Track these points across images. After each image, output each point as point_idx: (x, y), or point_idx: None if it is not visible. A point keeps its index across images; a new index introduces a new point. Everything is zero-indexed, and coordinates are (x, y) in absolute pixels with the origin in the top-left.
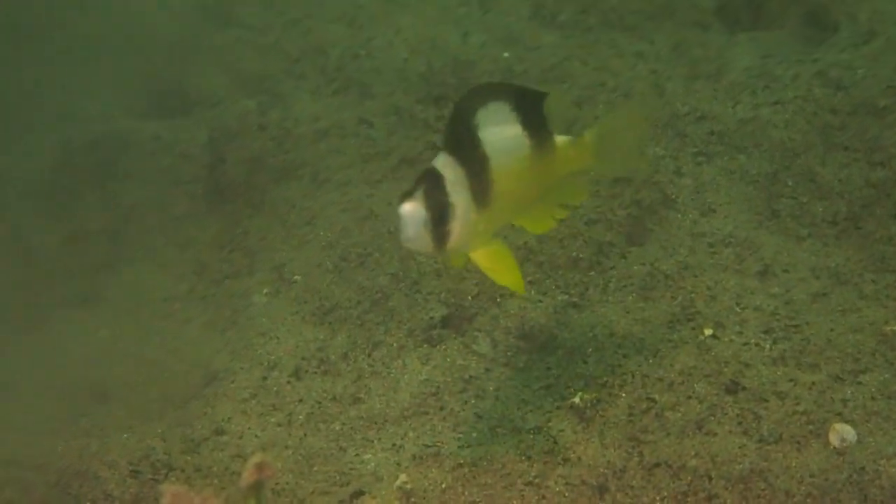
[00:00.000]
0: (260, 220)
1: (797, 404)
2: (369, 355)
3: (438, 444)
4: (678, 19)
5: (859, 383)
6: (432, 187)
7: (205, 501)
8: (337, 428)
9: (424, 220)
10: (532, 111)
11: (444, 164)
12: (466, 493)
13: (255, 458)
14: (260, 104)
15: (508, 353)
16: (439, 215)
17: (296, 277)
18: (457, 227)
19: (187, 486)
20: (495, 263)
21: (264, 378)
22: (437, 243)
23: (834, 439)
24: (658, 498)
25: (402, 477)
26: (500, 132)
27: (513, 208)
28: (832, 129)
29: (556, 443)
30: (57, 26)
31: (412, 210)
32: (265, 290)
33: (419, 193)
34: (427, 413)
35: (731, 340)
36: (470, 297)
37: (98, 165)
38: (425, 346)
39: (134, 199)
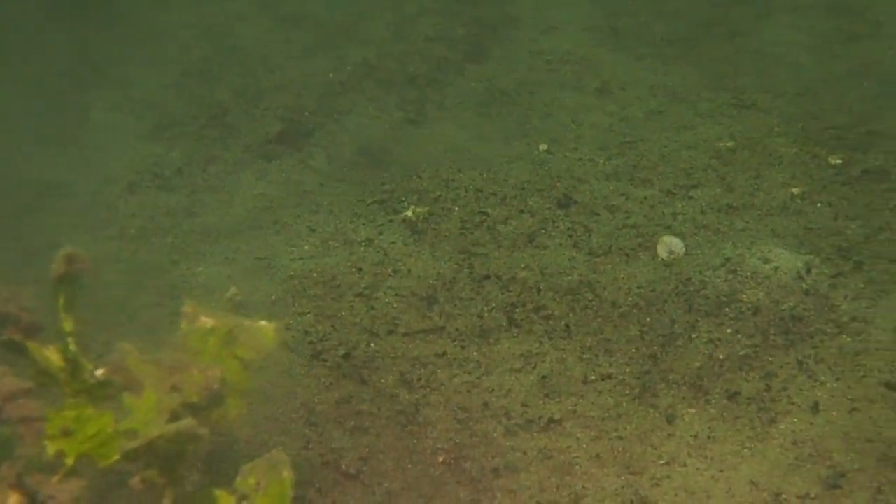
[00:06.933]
0: (102, 35)
1: (627, 218)
2: (204, 170)
3: (270, 256)
4: None
5: (690, 197)
6: None
7: (12, 294)
8: (170, 241)
9: None
10: None
11: None
12: (296, 304)
13: (65, 250)
14: None
15: (344, 169)
16: None
17: (135, 93)
18: None
19: None
20: None
21: (98, 192)
22: None
23: (662, 251)
24: (487, 309)
25: (233, 289)
26: None
27: None
28: None
29: (386, 255)
30: None
31: None
32: (104, 106)
33: None
34: (261, 227)
35: (566, 156)
36: (307, 113)
37: None
38: (261, 161)
39: None
